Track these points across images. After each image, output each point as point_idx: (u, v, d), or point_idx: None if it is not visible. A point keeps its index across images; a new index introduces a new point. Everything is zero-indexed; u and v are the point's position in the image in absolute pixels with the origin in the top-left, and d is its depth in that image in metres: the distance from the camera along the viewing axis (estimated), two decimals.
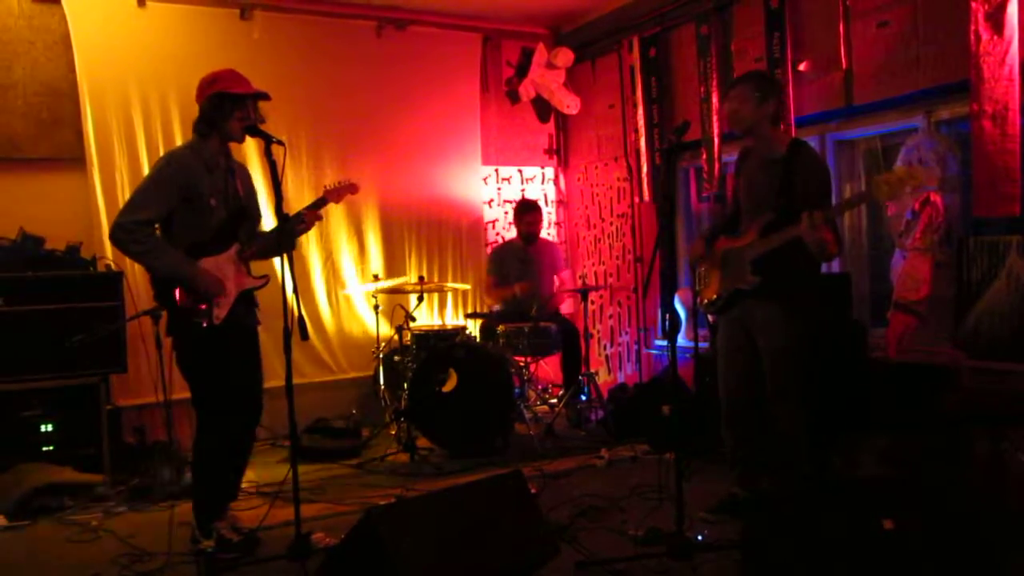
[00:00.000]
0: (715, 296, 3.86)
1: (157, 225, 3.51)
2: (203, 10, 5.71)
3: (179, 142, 5.58)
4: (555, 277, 6.42)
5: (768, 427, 3.71)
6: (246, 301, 3.69)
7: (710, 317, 4.09)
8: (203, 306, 3.47)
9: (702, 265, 3.98)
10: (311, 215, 3.81)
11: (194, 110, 5.69)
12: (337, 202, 3.96)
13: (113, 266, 5.06)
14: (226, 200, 3.60)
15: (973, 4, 3.94)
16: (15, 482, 4.28)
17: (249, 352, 3.73)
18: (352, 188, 3.97)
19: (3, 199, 5.12)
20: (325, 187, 3.92)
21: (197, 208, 3.49)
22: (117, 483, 4.56)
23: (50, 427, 4.60)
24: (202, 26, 5.70)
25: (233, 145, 5.70)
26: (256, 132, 3.45)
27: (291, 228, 3.70)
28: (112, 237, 3.45)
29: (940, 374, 4.07)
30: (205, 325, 3.47)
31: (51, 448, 4.59)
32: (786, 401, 3.62)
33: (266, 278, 3.78)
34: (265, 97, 3.64)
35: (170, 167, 3.50)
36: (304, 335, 3.33)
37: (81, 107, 5.33)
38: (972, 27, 3.95)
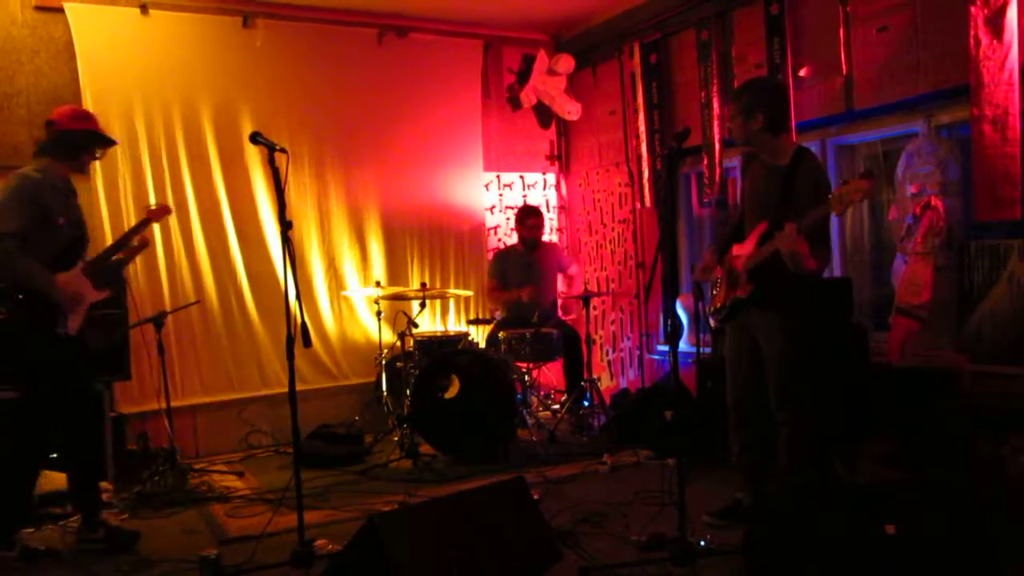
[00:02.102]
0: (720, 304, 3.88)
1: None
2: (206, 18, 5.73)
3: (181, 149, 5.62)
4: (561, 276, 6.43)
5: (773, 432, 3.72)
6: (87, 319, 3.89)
7: (712, 322, 4.10)
8: (60, 319, 3.65)
9: (719, 272, 3.99)
10: (140, 239, 4.08)
11: (197, 119, 5.76)
12: (157, 221, 4.34)
13: None
14: (71, 220, 3.79)
15: (972, 9, 3.95)
16: None
17: (87, 364, 3.92)
18: (167, 210, 4.38)
19: None
20: (147, 208, 4.30)
21: (48, 227, 3.67)
22: (120, 490, 4.56)
23: None
24: (205, 34, 5.72)
25: (234, 151, 5.82)
26: (259, 140, 3.47)
27: (129, 249, 4.09)
28: None
29: (942, 378, 4.07)
30: (63, 334, 3.65)
31: (54, 456, 4.59)
32: (789, 406, 3.63)
33: (108, 291, 4.02)
34: (115, 143, 4.09)
35: (28, 184, 3.68)
36: (307, 342, 3.35)
37: None
38: (972, 32, 3.96)
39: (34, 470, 3.84)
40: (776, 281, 3.57)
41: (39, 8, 5.27)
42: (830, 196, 3.29)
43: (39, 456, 3.86)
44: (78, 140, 3.79)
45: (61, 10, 5.28)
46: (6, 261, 3.54)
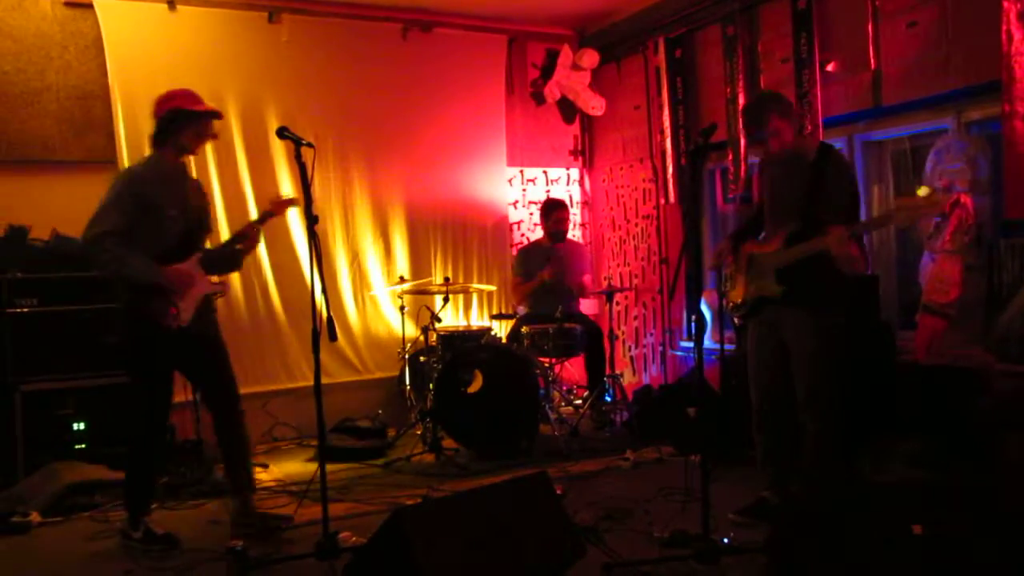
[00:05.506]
0: (741, 301, 3.85)
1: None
2: (232, 14, 5.77)
3: (207, 143, 5.63)
4: (580, 280, 6.43)
5: (798, 431, 3.70)
6: (208, 309, 3.89)
7: (736, 319, 4.08)
8: (173, 310, 3.63)
9: (728, 266, 3.98)
10: (255, 231, 4.05)
11: (223, 113, 5.81)
12: (279, 215, 4.26)
13: None
14: (185, 211, 3.78)
15: (1005, 3, 3.89)
16: (49, 479, 4.35)
17: (215, 357, 3.90)
18: (291, 202, 4.22)
19: (37, 200, 5.20)
20: (271, 201, 4.18)
21: (156, 219, 3.67)
22: None
23: (82, 425, 4.68)
24: (231, 29, 5.77)
25: (261, 146, 5.84)
26: (286, 135, 3.49)
27: (250, 239, 4.04)
28: (83, 252, 3.69)
29: (970, 377, 4.03)
30: (171, 326, 3.63)
31: (83, 446, 4.67)
32: (816, 404, 3.61)
33: (224, 285, 4.05)
34: (217, 116, 3.89)
35: (124, 180, 3.74)
36: (333, 336, 3.36)
37: (113, 110, 5.41)
38: (1004, 27, 3.90)
39: (151, 454, 3.88)
40: (808, 281, 3.54)
41: (68, 4, 5.33)
42: (895, 207, 3.26)
43: (156, 442, 3.88)
44: (168, 122, 3.74)
45: (90, 5, 5.34)
46: (106, 257, 3.57)
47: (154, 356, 3.70)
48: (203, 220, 3.94)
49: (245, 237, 4.03)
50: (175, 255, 3.69)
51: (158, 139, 3.77)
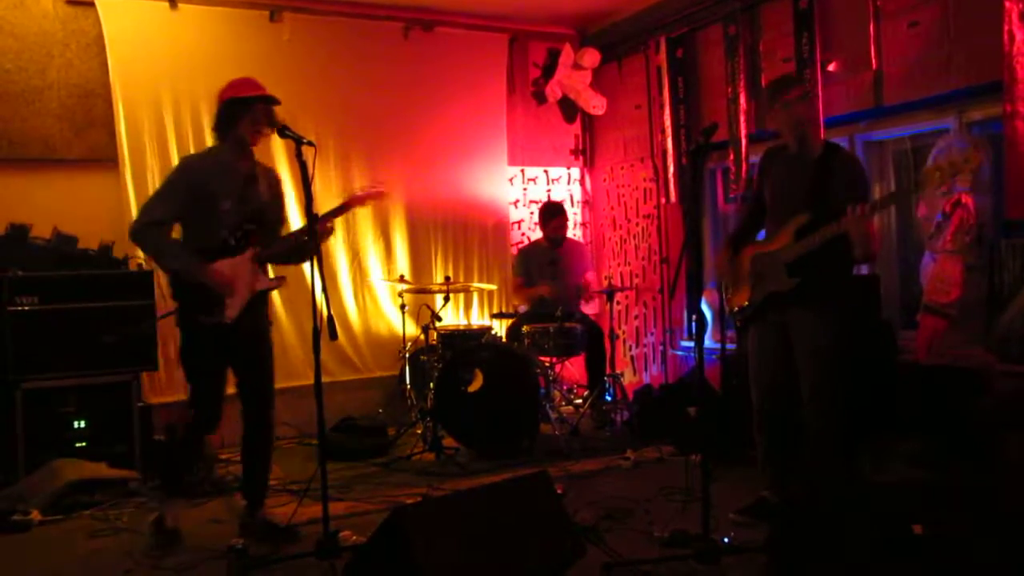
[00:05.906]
0: (746, 303, 3.83)
1: (175, 225, 3.66)
2: (234, 12, 5.78)
3: (209, 143, 5.61)
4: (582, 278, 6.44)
5: (799, 431, 3.69)
6: (259, 304, 3.79)
7: (738, 323, 4.06)
8: (217, 307, 3.57)
9: (728, 275, 3.96)
10: (329, 222, 3.86)
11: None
12: (362, 206, 4.08)
13: (144, 265, 5.13)
14: (242, 203, 3.67)
15: (1007, 3, 3.89)
16: (49, 477, 4.35)
17: (256, 354, 3.82)
18: (378, 195, 4.02)
19: (38, 199, 5.21)
20: (357, 193, 3.99)
21: (209, 209, 3.60)
22: (147, 480, 4.61)
23: (83, 423, 4.68)
24: (233, 28, 5.77)
25: (262, 144, 5.79)
26: (287, 133, 3.48)
27: (315, 231, 3.77)
28: (130, 237, 3.63)
29: (971, 378, 4.03)
30: (217, 323, 3.57)
31: (84, 444, 4.67)
32: (819, 402, 3.60)
33: (282, 279, 3.89)
34: (274, 101, 3.70)
35: (180, 170, 3.73)
36: (333, 335, 3.36)
37: (114, 108, 5.40)
38: (1005, 27, 3.90)
39: (192, 444, 3.94)
40: (817, 274, 3.54)
41: (70, 2, 5.33)
42: (932, 166, 3.23)
43: (198, 436, 3.91)
44: (224, 112, 3.66)
45: (92, 4, 5.34)
46: (147, 249, 3.58)
47: (197, 350, 3.65)
48: (272, 215, 3.82)
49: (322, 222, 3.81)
50: (228, 249, 3.63)
51: (218, 131, 3.72)
